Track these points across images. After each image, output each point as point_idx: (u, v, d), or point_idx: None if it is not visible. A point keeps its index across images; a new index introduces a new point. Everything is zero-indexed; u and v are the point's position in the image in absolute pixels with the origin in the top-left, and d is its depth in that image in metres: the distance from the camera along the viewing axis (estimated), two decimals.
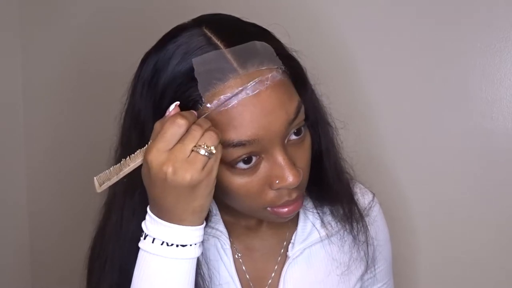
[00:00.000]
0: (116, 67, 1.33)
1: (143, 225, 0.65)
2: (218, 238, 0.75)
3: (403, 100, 1.10)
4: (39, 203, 1.54)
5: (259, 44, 0.63)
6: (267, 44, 0.64)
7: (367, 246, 0.81)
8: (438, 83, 1.07)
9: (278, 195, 0.65)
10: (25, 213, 1.55)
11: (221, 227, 0.75)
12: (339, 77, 1.10)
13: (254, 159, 0.63)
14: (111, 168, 0.62)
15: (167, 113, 0.61)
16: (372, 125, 1.11)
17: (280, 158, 0.63)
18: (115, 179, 0.62)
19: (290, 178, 0.63)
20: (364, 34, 1.12)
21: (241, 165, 0.63)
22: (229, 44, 0.62)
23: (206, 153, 0.59)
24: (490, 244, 1.08)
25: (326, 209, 0.80)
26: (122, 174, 0.62)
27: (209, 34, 0.63)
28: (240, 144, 0.61)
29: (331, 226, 0.79)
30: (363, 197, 0.83)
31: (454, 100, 1.07)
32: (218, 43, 0.62)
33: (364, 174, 0.85)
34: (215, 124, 0.61)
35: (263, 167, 0.64)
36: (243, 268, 0.77)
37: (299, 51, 0.70)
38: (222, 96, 0.60)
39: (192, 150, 0.59)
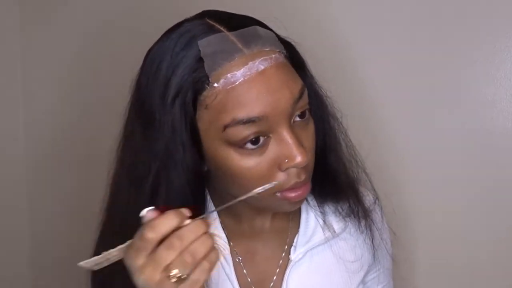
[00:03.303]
0: (117, 67, 1.33)
1: None
2: (216, 244, 0.74)
3: (402, 100, 1.10)
4: (39, 203, 1.54)
5: (260, 29, 0.66)
6: (268, 30, 0.67)
7: (372, 246, 0.81)
8: (438, 83, 1.07)
9: (287, 177, 0.65)
10: (25, 213, 1.55)
11: (219, 232, 0.74)
12: (337, 77, 1.09)
13: (261, 139, 0.64)
14: (96, 258, 0.58)
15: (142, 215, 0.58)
16: (371, 125, 1.11)
17: (287, 136, 0.64)
18: (107, 262, 0.59)
19: (298, 157, 0.63)
20: (363, 36, 1.11)
21: (249, 145, 0.63)
22: (232, 29, 0.64)
23: (174, 280, 0.54)
24: (490, 244, 1.08)
25: (328, 209, 0.80)
26: (113, 259, 0.59)
27: (211, 22, 0.65)
28: (250, 121, 0.62)
29: (334, 227, 0.79)
30: (365, 199, 0.83)
31: (454, 100, 1.07)
32: (221, 28, 0.64)
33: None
34: (223, 105, 0.62)
35: (271, 147, 0.64)
36: (244, 271, 0.77)
37: (298, 43, 0.71)
38: (229, 74, 0.62)
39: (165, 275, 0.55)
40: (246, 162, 0.64)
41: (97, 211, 0.77)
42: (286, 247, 0.78)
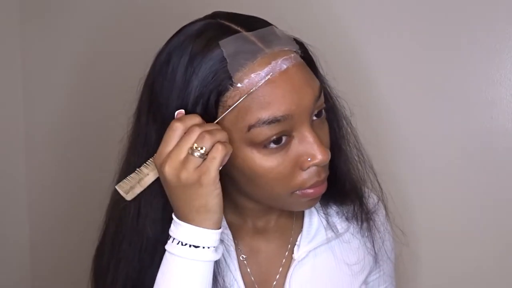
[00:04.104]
0: (118, 69, 1.34)
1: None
2: (221, 240, 0.74)
3: (402, 100, 1.10)
4: (39, 203, 1.54)
5: (277, 29, 0.66)
6: (283, 30, 0.67)
7: (374, 247, 0.81)
8: (438, 83, 1.07)
9: (308, 176, 0.66)
10: (25, 214, 1.54)
11: (224, 229, 0.75)
12: (341, 78, 1.09)
13: (284, 139, 0.64)
14: (129, 177, 0.66)
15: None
16: (371, 125, 1.11)
17: (309, 135, 0.64)
18: (139, 188, 0.66)
19: (320, 155, 0.64)
20: (365, 35, 1.12)
21: (272, 145, 0.64)
22: (248, 29, 0.64)
23: (197, 154, 0.61)
24: (490, 244, 1.08)
25: (332, 211, 0.80)
26: (144, 183, 0.66)
27: (226, 23, 0.65)
28: (275, 120, 0.62)
29: (337, 227, 0.79)
30: (368, 200, 0.83)
31: (454, 100, 1.07)
32: (238, 28, 0.64)
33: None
34: (247, 105, 0.62)
35: (293, 146, 0.65)
36: (248, 270, 0.77)
37: (307, 43, 0.71)
38: (252, 74, 0.62)
39: (189, 152, 0.62)
40: (269, 162, 0.64)
41: (97, 211, 0.78)
42: (289, 246, 0.78)
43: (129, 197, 0.66)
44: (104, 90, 1.38)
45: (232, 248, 0.75)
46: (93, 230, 0.78)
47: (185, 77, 0.63)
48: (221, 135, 0.62)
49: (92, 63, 1.41)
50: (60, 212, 1.50)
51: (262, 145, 0.63)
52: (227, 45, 0.62)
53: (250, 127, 0.62)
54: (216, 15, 0.68)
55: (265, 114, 0.62)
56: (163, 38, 0.69)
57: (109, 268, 0.73)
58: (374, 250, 0.81)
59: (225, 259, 0.75)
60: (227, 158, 0.63)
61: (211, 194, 0.63)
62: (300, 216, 0.79)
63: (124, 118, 0.72)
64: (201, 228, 0.64)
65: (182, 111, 0.64)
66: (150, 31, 1.24)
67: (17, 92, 1.49)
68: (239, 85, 0.62)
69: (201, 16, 0.69)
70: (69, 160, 1.47)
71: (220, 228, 0.66)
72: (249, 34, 0.64)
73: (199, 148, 0.61)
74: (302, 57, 0.66)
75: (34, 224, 1.54)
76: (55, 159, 1.50)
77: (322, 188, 0.68)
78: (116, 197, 0.72)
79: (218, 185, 0.63)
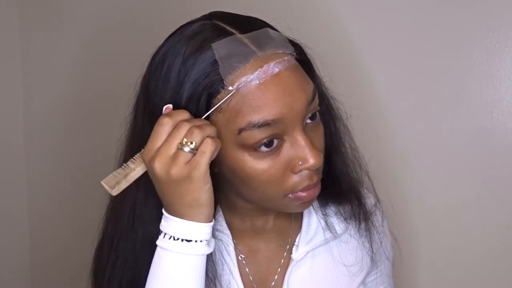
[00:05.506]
0: (119, 69, 1.34)
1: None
2: (221, 240, 0.75)
3: (402, 100, 1.10)
4: (39, 204, 1.54)
5: (271, 31, 0.66)
6: (278, 32, 0.67)
7: (372, 247, 0.81)
8: (438, 83, 1.07)
9: (300, 179, 0.66)
10: (25, 215, 1.55)
11: (224, 229, 0.75)
12: (341, 79, 1.10)
13: (275, 142, 0.64)
14: (115, 172, 0.65)
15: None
16: (371, 125, 1.11)
17: (301, 138, 0.64)
18: (125, 183, 0.65)
19: (312, 159, 0.64)
20: (364, 35, 1.12)
21: (263, 148, 0.64)
22: (243, 31, 0.64)
23: (187, 149, 0.61)
24: (490, 244, 1.08)
25: (330, 211, 0.80)
26: (130, 178, 0.65)
27: (221, 24, 0.65)
28: (266, 124, 0.62)
29: (335, 228, 0.79)
30: (366, 200, 0.83)
31: (454, 100, 1.07)
32: (233, 30, 0.64)
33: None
34: (238, 108, 0.62)
35: (285, 149, 0.65)
36: (247, 270, 0.77)
37: (303, 44, 0.71)
38: (244, 77, 0.62)
39: (178, 147, 0.62)
40: (260, 164, 0.64)
41: (97, 210, 0.78)
42: (288, 246, 0.79)
43: (114, 192, 0.65)
44: (103, 89, 1.38)
45: (231, 248, 0.75)
46: (94, 229, 0.79)
47: (178, 78, 0.64)
48: (210, 130, 0.62)
49: (91, 62, 1.41)
50: (60, 212, 1.50)
51: (253, 148, 0.63)
52: (219, 48, 0.62)
53: (240, 130, 0.62)
54: (212, 15, 0.68)
55: (256, 118, 0.62)
56: (162, 38, 0.69)
57: (106, 267, 0.74)
58: (372, 250, 0.81)
59: (224, 259, 0.75)
60: (216, 153, 0.63)
61: (202, 188, 0.63)
62: (299, 216, 0.79)
63: (123, 117, 0.72)
64: (194, 222, 0.64)
65: (170, 106, 0.64)
66: (149, 30, 1.25)
67: (17, 91, 1.50)
68: (230, 87, 0.62)
69: (199, 16, 0.69)
70: (70, 161, 1.48)
71: (211, 221, 0.66)
72: (242, 37, 0.63)
73: (189, 143, 0.61)
74: (297, 59, 0.66)
75: (34, 225, 1.55)
76: (54, 158, 1.50)
77: (315, 191, 0.68)
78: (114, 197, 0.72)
79: (209, 179, 0.63)
